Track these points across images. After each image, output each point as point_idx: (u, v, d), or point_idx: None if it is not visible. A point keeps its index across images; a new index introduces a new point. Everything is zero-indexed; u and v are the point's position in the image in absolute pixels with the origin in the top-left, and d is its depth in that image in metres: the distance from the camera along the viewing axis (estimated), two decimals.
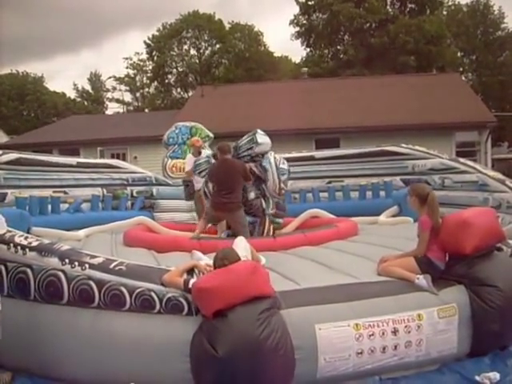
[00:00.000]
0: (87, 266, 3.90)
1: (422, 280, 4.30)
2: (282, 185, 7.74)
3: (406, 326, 4.00)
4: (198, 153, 9.81)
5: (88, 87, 55.30)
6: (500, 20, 42.05)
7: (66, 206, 10.44)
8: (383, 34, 34.83)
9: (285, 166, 7.79)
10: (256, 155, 7.95)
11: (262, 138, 7.99)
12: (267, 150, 7.98)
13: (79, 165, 11.51)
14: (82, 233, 8.77)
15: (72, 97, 52.67)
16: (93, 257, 4.04)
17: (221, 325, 3.56)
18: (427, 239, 4.59)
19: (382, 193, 10.72)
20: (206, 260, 4.77)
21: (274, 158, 7.81)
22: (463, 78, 33.11)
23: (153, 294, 3.75)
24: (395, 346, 3.97)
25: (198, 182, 9.11)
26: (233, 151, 7.99)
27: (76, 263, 3.92)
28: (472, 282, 4.35)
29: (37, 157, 10.84)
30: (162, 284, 3.82)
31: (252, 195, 7.91)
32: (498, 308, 4.22)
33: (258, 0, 71.80)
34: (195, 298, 3.70)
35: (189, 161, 9.84)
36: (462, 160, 10.08)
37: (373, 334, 3.90)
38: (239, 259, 4.06)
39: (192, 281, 3.81)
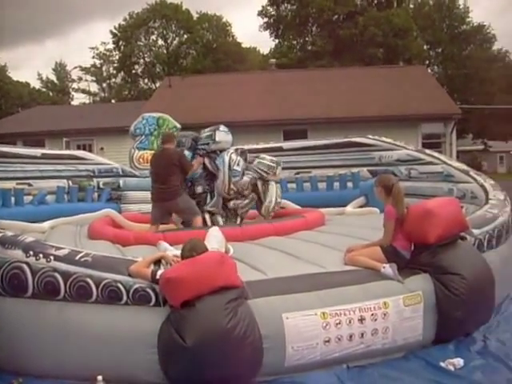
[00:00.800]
0: (52, 257, 3.84)
1: (387, 269, 4.36)
2: (232, 186, 7.66)
3: (372, 314, 4.04)
4: None
5: (53, 77, 54.42)
6: (465, 14, 42.74)
7: (31, 198, 10.27)
8: (352, 25, 35.05)
9: (239, 167, 7.66)
10: (212, 151, 7.91)
11: (222, 135, 7.93)
12: (225, 147, 7.91)
13: (44, 156, 11.31)
14: (46, 225, 8.62)
15: (37, 87, 51.77)
16: (58, 248, 3.97)
17: (188, 314, 3.55)
18: (392, 229, 4.64)
19: (350, 184, 10.79)
20: (172, 250, 4.75)
21: (230, 157, 7.68)
22: (429, 71, 33.54)
23: (119, 285, 3.72)
24: (362, 334, 4.01)
25: None
26: (191, 142, 7.96)
27: (41, 255, 3.85)
28: (436, 271, 4.41)
29: (0, 148, 10.62)
30: (129, 275, 3.79)
31: (199, 189, 7.91)
32: (462, 295, 4.30)
33: None
34: (163, 289, 3.68)
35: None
36: (427, 151, 10.19)
37: (340, 323, 3.93)
38: (207, 250, 4.05)
39: (160, 272, 3.79)
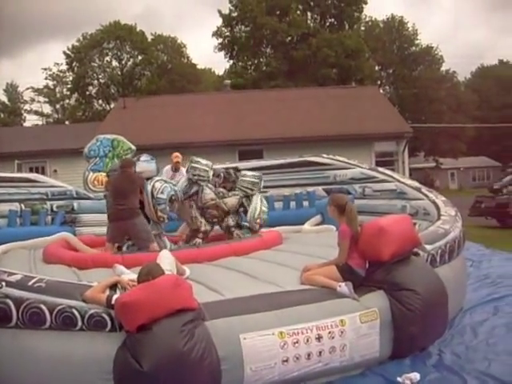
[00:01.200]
0: (4, 283, 3.73)
1: (343, 287, 4.39)
2: (160, 213, 7.67)
3: (329, 332, 4.06)
4: (175, 169, 9.74)
5: (4, 99, 53.38)
6: (414, 36, 44.10)
7: None
8: (305, 47, 35.61)
9: (163, 195, 7.65)
10: None
11: (143, 165, 7.98)
12: (149, 176, 7.90)
13: None
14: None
15: None
16: (10, 274, 3.87)
17: (144, 338, 3.51)
18: (347, 248, 4.68)
19: (306, 203, 10.87)
20: (128, 274, 4.69)
21: (153, 186, 7.67)
22: (381, 91, 34.31)
23: (74, 311, 3.64)
24: (320, 353, 4.02)
25: None
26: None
27: None
28: (391, 287, 4.47)
29: None
30: (84, 301, 3.72)
31: None
32: (417, 311, 4.36)
33: (181, 12, 71.94)
34: (118, 314, 3.63)
35: (165, 173, 9.65)
36: (380, 169, 10.36)
37: (297, 342, 3.94)
38: (163, 274, 4.02)
39: (115, 296, 3.73)
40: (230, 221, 8.43)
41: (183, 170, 9.63)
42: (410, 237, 4.86)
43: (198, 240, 8.13)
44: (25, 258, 7.75)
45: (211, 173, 8.55)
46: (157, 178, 7.90)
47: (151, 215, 7.71)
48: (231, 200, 8.47)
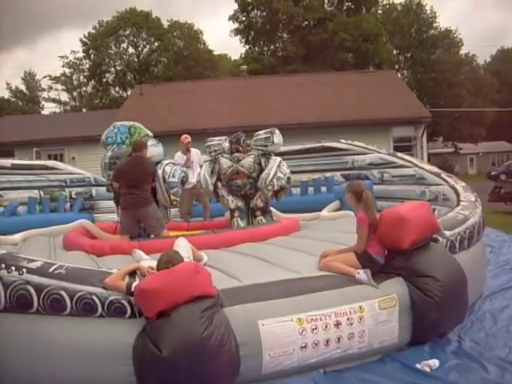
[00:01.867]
0: (25, 270, 3.75)
1: (362, 275, 4.37)
2: (173, 197, 7.63)
3: (348, 319, 4.05)
4: (186, 150, 9.78)
5: (22, 87, 53.75)
6: (432, 19, 43.45)
7: (1, 209, 10.11)
8: (322, 31, 35.31)
9: (175, 178, 7.62)
10: None
11: (151, 150, 7.90)
12: (158, 160, 7.88)
13: (14, 167, 11.17)
14: (18, 237, 8.50)
15: (6, 97, 51.07)
16: (31, 261, 3.89)
17: (164, 325, 3.53)
18: (366, 235, 4.65)
19: (324, 188, 10.84)
20: (146, 259, 4.70)
21: (164, 170, 7.63)
22: (399, 75, 33.96)
23: (94, 298, 3.66)
24: (338, 339, 4.02)
25: (192, 179, 9.28)
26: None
27: (13, 268, 3.75)
28: (410, 274, 4.44)
29: None
30: (104, 288, 3.74)
31: None
32: (436, 297, 4.33)
33: None
34: (138, 300, 3.65)
35: (178, 158, 9.73)
36: (399, 154, 10.28)
37: (316, 328, 3.94)
38: (183, 261, 4.04)
39: (134, 284, 3.75)
40: (259, 201, 8.29)
41: (194, 150, 9.74)
42: (429, 223, 4.81)
43: (236, 220, 8.26)
44: (44, 244, 7.85)
45: (226, 144, 8.60)
46: (166, 162, 7.86)
47: (164, 200, 7.68)
48: (246, 161, 8.38)
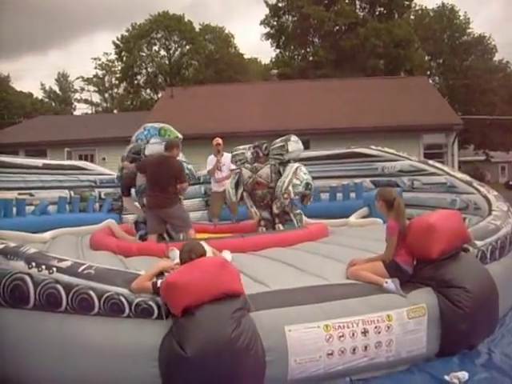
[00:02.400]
0: (55, 269, 3.81)
1: (390, 284, 4.32)
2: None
3: (375, 327, 4.01)
4: (217, 152, 9.86)
5: (56, 88, 54.61)
6: (465, 25, 42.85)
7: (32, 208, 10.26)
8: (353, 37, 35.13)
9: None
10: None
11: (153, 148, 7.97)
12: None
13: (45, 166, 11.33)
14: (47, 235, 8.62)
15: (39, 97, 51.94)
16: (60, 260, 3.94)
17: (190, 325, 3.52)
18: (395, 244, 4.59)
19: (353, 194, 10.78)
20: None
21: None
22: (430, 82, 33.60)
23: (122, 298, 3.69)
24: (365, 347, 3.97)
25: (219, 183, 9.55)
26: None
27: (43, 266, 3.82)
28: (439, 284, 4.38)
29: (1, 158, 10.65)
30: (131, 291, 3.76)
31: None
32: (466, 308, 4.26)
33: (228, 3, 72.00)
34: (164, 295, 3.66)
35: (210, 161, 9.95)
36: (430, 162, 10.18)
37: (343, 335, 3.90)
38: (205, 253, 4.06)
39: (160, 281, 3.76)
40: (274, 208, 8.20)
41: (226, 154, 9.79)
42: (459, 233, 4.74)
43: (261, 229, 8.22)
44: (73, 244, 7.95)
45: (249, 153, 8.58)
46: None
47: None
48: (264, 171, 8.35)
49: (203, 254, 4.01)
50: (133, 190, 8.36)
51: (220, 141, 9.90)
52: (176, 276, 3.69)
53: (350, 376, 4.03)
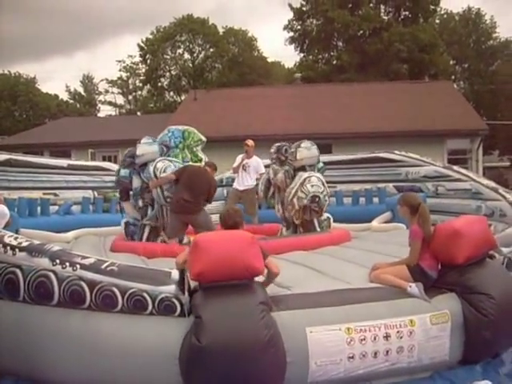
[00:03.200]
0: (78, 266, 3.84)
1: (414, 288, 4.28)
2: (167, 192, 7.56)
3: (398, 332, 3.97)
4: (245, 153, 10.02)
5: (81, 90, 55.20)
6: (492, 29, 42.38)
7: (56, 208, 10.38)
8: (377, 41, 34.97)
9: (166, 174, 7.60)
10: (143, 164, 7.90)
11: (143, 147, 7.93)
12: (151, 159, 7.84)
13: (70, 167, 11.46)
14: (70, 235, 8.70)
15: (64, 99, 52.53)
16: (84, 257, 3.98)
17: (208, 315, 3.54)
18: (419, 249, 4.55)
19: (376, 199, 10.72)
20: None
21: (155, 167, 7.64)
22: (455, 86, 33.28)
23: (145, 295, 3.70)
24: (387, 352, 3.93)
25: (244, 182, 9.61)
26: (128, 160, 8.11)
27: (67, 264, 3.85)
28: (464, 290, 4.32)
29: (27, 158, 10.78)
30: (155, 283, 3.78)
31: (140, 203, 7.94)
32: (490, 316, 4.19)
33: (252, 6, 72.13)
34: (189, 254, 3.80)
35: (238, 159, 10.11)
36: (455, 168, 10.10)
37: (364, 339, 3.87)
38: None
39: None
40: (295, 219, 8.04)
41: (255, 157, 9.94)
42: (485, 239, 4.67)
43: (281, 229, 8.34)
44: (95, 244, 8.01)
45: (273, 154, 8.64)
46: (159, 159, 7.85)
47: (157, 197, 7.68)
48: (279, 175, 8.36)
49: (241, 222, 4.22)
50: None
51: (250, 142, 10.01)
52: (204, 238, 3.80)
53: (370, 380, 4.01)
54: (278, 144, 8.75)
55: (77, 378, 3.81)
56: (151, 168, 7.66)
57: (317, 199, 7.80)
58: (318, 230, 8.00)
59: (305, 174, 8.00)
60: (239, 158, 10.11)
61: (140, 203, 7.87)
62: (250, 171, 9.83)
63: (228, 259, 3.67)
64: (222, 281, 3.70)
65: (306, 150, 8.29)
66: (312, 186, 7.83)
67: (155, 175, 7.60)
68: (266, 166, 9.35)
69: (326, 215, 8.22)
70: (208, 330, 3.48)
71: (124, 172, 8.06)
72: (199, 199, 7.35)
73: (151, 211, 7.87)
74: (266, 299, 3.75)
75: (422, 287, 4.28)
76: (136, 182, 7.88)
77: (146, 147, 7.95)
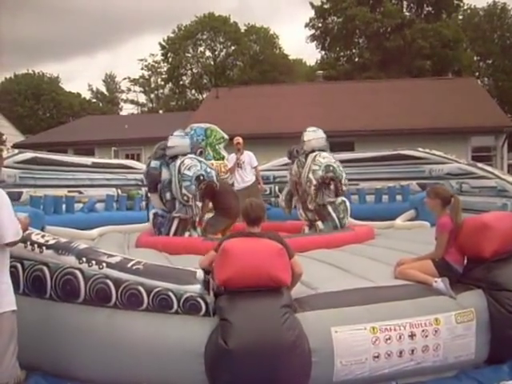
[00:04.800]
0: (104, 264, 3.89)
1: (440, 283, 4.24)
2: (184, 191, 7.48)
3: (423, 331, 3.95)
4: (237, 151, 10.07)
5: (103, 88, 55.66)
6: None
7: (81, 205, 10.48)
8: (399, 38, 34.70)
9: (190, 172, 7.48)
10: (173, 156, 7.80)
11: (174, 140, 7.88)
12: (182, 152, 7.78)
13: (94, 165, 11.54)
14: (95, 232, 8.79)
15: (87, 98, 53.01)
16: (110, 256, 4.02)
17: (234, 318, 3.55)
18: (446, 242, 4.52)
19: (399, 197, 10.65)
20: None
21: (182, 162, 7.56)
22: (479, 83, 32.86)
23: (170, 294, 3.72)
24: (412, 351, 3.91)
25: (244, 179, 9.66)
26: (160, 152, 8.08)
27: (93, 262, 3.90)
28: (491, 287, 4.28)
29: (52, 156, 10.88)
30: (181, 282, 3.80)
31: (167, 196, 7.81)
32: None
33: (273, 4, 72.03)
34: (216, 260, 3.81)
35: (230, 159, 10.14)
36: (480, 165, 9.98)
37: (389, 338, 3.85)
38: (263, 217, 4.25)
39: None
40: (308, 203, 8.10)
41: (246, 152, 10.07)
42: None
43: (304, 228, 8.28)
44: (119, 241, 8.07)
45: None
46: (190, 155, 7.78)
47: (175, 192, 7.62)
48: (293, 167, 8.45)
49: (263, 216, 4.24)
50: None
51: (240, 140, 10.09)
52: (232, 245, 3.78)
53: (396, 380, 3.99)
54: (288, 150, 8.81)
55: (101, 376, 3.84)
56: (178, 162, 7.59)
57: (331, 168, 7.86)
58: (334, 215, 7.97)
59: (315, 153, 8.10)
60: (232, 157, 10.15)
61: (168, 196, 7.80)
62: (245, 167, 9.96)
63: (255, 269, 3.66)
64: (248, 288, 3.70)
65: (313, 132, 8.41)
66: (324, 158, 7.96)
67: (179, 170, 7.55)
68: (285, 164, 9.37)
69: (340, 199, 8.10)
70: (235, 333, 3.49)
71: (154, 164, 8.00)
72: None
73: (179, 204, 7.80)
74: (289, 301, 3.74)
75: (447, 282, 4.25)
76: (165, 174, 7.82)
77: (177, 140, 7.91)
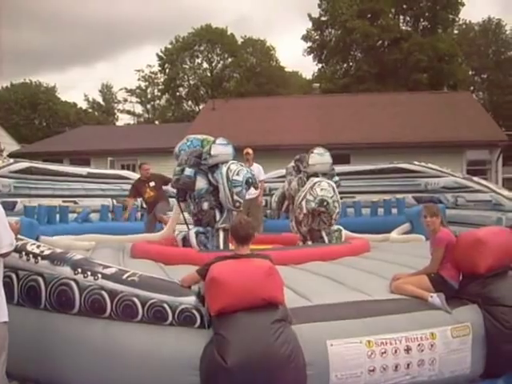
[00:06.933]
0: (100, 275, 3.88)
1: (435, 298, 4.24)
2: (236, 197, 7.31)
3: (419, 345, 3.94)
4: (246, 160, 10.01)
5: (99, 99, 55.71)
6: None
7: (75, 215, 10.45)
8: (396, 51, 34.93)
9: (239, 177, 7.31)
10: (214, 165, 7.60)
11: (219, 149, 7.65)
12: (225, 160, 7.57)
13: (89, 175, 11.55)
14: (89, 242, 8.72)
15: (83, 107, 53.03)
16: (105, 267, 4.01)
17: (232, 335, 3.52)
18: (441, 257, 4.53)
19: (394, 210, 10.66)
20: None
21: (229, 168, 7.39)
22: (474, 97, 33.06)
23: (165, 306, 3.71)
24: (408, 365, 3.91)
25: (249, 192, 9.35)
26: (194, 159, 7.88)
27: (88, 273, 3.89)
28: (486, 302, 4.28)
29: (47, 166, 10.88)
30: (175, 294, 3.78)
31: (205, 205, 7.57)
32: None
33: (271, 16, 72.45)
34: (206, 289, 3.71)
35: None
36: (475, 179, 10.03)
37: (385, 352, 3.85)
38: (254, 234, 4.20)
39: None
40: (302, 225, 7.93)
41: (256, 165, 10.01)
42: (508, 250, 4.63)
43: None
44: (114, 251, 8.01)
45: (312, 157, 8.47)
46: (232, 162, 7.61)
47: (226, 200, 7.40)
48: (293, 184, 8.33)
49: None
50: None
51: (250, 150, 10.03)
52: (221, 272, 3.67)
53: None
54: (301, 154, 8.70)
55: None
56: (224, 169, 7.39)
57: (325, 203, 7.69)
58: (326, 240, 7.88)
59: (316, 179, 7.94)
60: None
61: (205, 205, 7.57)
62: None
63: (247, 294, 3.61)
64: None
65: (319, 156, 8.26)
66: (321, 189, 7.76)
67: (228, 177, 7.37)
68: (282, 176, 9.31)
69: (336, 226, 8.07)
70: (232, 350, 3.46)
71: (189, 171, 7.85)
72: None
73: (219, 214, 7.64)
74: (283, 315, 3.71)
75: (443, 297, 4.25)
76: (201, 183, 7.62)
77: (221, 148, 7.71)
